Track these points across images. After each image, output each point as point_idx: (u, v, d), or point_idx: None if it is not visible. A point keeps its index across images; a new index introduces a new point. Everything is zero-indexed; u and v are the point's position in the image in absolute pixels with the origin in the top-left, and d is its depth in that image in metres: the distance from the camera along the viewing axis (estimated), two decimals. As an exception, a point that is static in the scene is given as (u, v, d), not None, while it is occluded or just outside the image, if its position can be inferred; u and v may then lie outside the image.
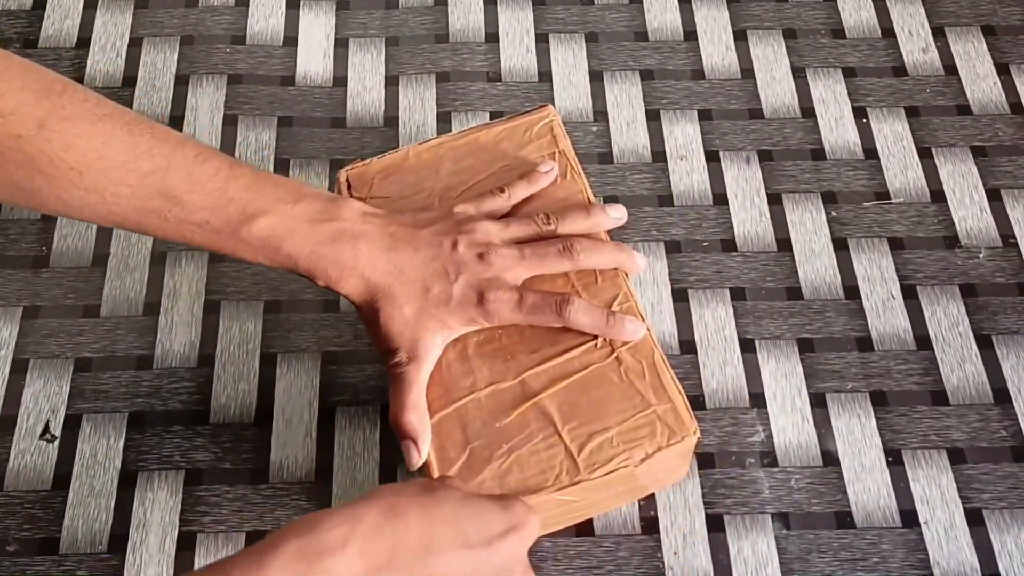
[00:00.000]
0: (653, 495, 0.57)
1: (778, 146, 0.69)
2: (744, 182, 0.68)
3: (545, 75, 0.72)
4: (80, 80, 0.71)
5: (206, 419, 0.60)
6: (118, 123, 0.50)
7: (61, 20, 0.74)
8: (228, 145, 0.69)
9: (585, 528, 0.56)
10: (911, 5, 0.76)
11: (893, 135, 0.70)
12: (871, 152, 0.69)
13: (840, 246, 0.66)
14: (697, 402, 0.60)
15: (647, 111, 0.71)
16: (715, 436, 0.59)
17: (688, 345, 0.62)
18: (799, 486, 0.58)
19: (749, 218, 0.67)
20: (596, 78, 0.72)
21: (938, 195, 0.68)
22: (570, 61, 0.73)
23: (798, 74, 0.72)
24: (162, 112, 0.70)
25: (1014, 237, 0.66)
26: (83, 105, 0.49)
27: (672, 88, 0.72)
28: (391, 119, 0.70)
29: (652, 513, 0.57)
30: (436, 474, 0.51)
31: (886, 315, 0.63)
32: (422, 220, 0.55)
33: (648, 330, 0.54)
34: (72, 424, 0.59)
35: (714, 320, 0.63)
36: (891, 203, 0.68)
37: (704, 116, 0.71)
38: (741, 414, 0.60)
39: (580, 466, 0.51)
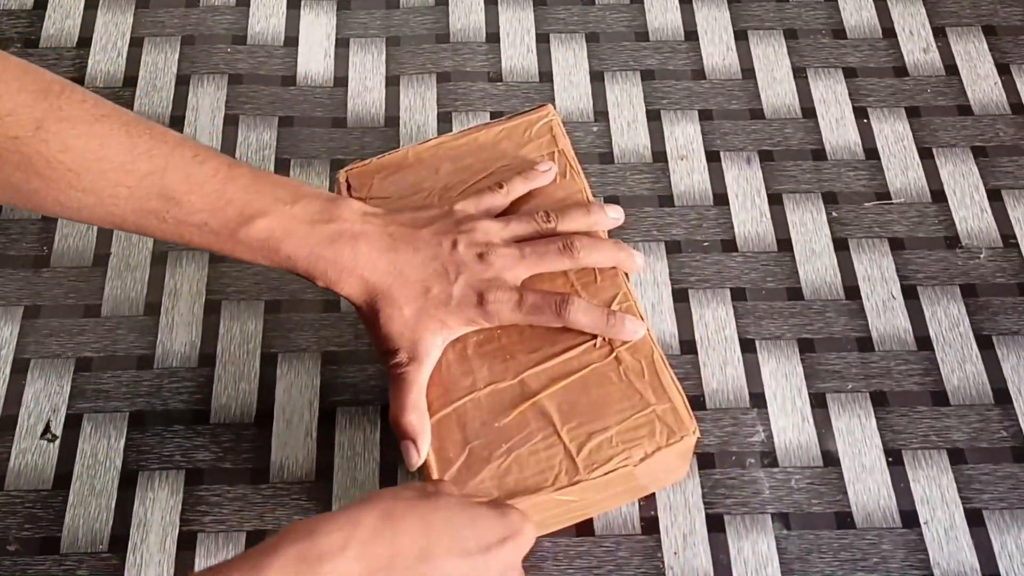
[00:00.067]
0: (653, 495, 0.57)
1: (779, 146, 0.69)
2: (745, 182, 0.68)
3: (546, 75, 0.72)
4: (81, 80, 0.71)
5: (207, 419, 0.60)
6: (116, 124, 0.49)
7: (62, 20, 0.74)
8: (229, 145, 0.69)
9: (585, 528, 0.56)
10: (912, 5, 0.76)
11: (894, 135, 0.70)
12: (872, 152, 0.69)
13: (841, 246, 0.66)
14: (697, 402, 0.60)
15: (648, 111, 0.71)
16: (715, 436, 0.59)
17: (688, 345, 0.62)
18: (799, 486, 0.58)
19: (750, 218, 0.67)
20: (597, 78, 0.72)
21: (939, 195, 0.68)
22: (571, 61, 0.73)
23: (799, 74, 0.72)
24: (163, 112, 0.70)
25: (1015, 237, 0.66)
26: (81, 106, 0.49)
27: (673, 88, 0.72)
28: (392, 119, 0.70)
29: (652, 513, 0.57)
30: (435, 474, 0.51)
31: (886, 315, 0.63)
32: (421, 219, 0.55)
33: (648, 330, 0.54)
34: (73, 424, 0.59)
35: (714, 320, 0.63)
36: (892, 203, 0.67)
37: (705, 116, 0.71)
38: (741, 414, 0.60)
39: (579, 466, 0.51)
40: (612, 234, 0.59)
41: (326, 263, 0.52)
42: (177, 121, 0.70)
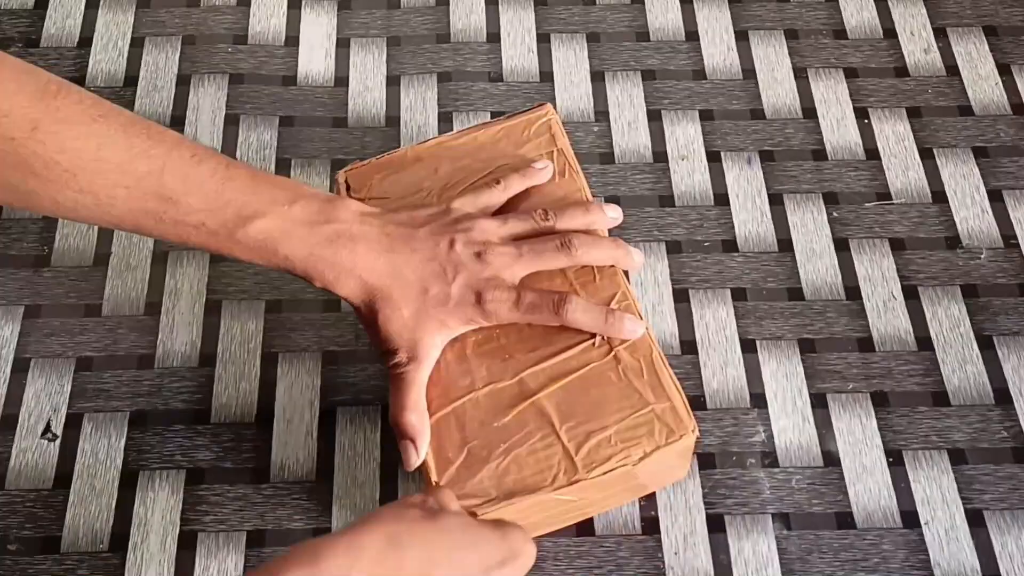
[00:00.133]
0: (653, 495, 0.57)
1: (779, 146, 0.69)
2: (745, 182, 0.68)
3: (546, 75, 0.72)
4: (82, 80, 0.71)
5: (207, 418, 0.60)
6: (114, 124, 0.49)
7: (63, 19, 0.74)
8: (230, 145, 0.69)
9: (586, 528, 0.56)
10: (913, 6, 0.76)
11: (895, 136, 0.70)
12: (873, 153, 0.69)
13: (841, 247, 0.66)
14: (698, 402, 0.60)
15: (648, 111, 0.71)
16: (716, 436, 0.59)
17: (689, 345, 0.62)
18: (800, 486, 0.58)
19: (750, 218, 0.67)
20: (597, 78, 0.72)
21: (939, 196, 0.68)
22: (571, 61, 0.73)
23: (800, 74, 0.72)
24: (163, 112, 0.70)
25: (1015, 238, 0.66)
26: (78, 106, 0.48)
27: (673, 88, 0.72)
28: (392, 119, 0.70)
29: (653, 513, 0.57)
30: (434, 474, 0.51)
31: (887, 316, 0.63)
32: (419, 218, 0.55)
33: (647, 328, 0.54)
34: (73, 423, 0.59)
35: (715, 320, 0.63)
36: (892, 204, 0.67)
37: (705, 116, 0.71)
38: (742, 414, 0.60)
39: (578, 465, 0.51)
40: (611, 233, 0.59)
41: (324, 264, 0.52)
42: (178, 121, 0.70)
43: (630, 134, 0.70)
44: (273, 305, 0.63)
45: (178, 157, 0.50)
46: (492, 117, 0.70)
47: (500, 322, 0.54)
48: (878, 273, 0.65)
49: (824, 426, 0.60)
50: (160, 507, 0.57)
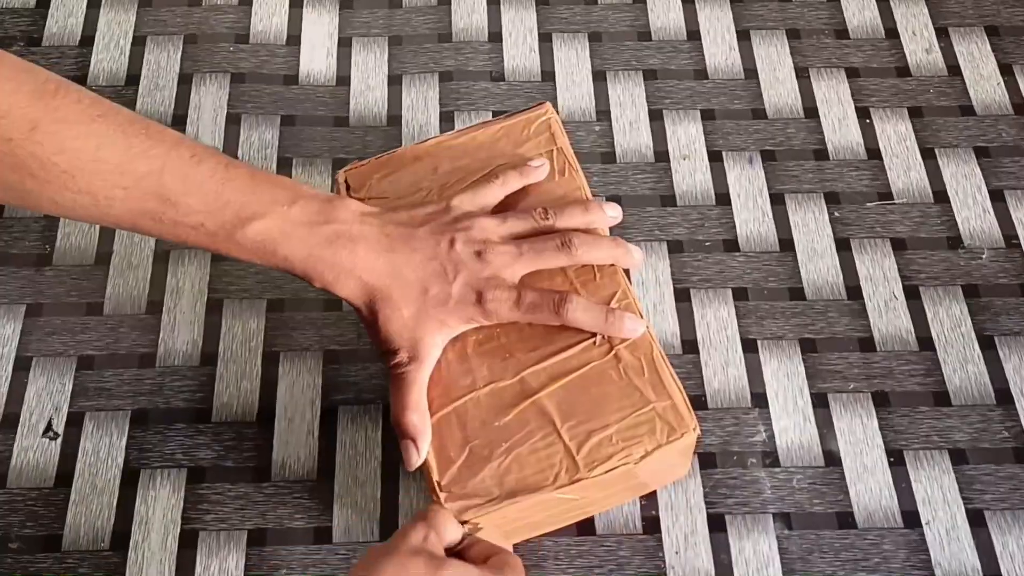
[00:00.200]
0: (654, 494, 0.57)
1: (781, 146, 0.69)
2: (747, 182, 0.68)
3: (548, 75, 0.72)
4: (84, 79, 0.71)
5: (208, 417, 0.60)
6: (112, 124, 0.49)
7: (65, 18, 0.74)
8: (231, 144, 0.69)
9: (586, 527, 0.56)
10: (915, 5, 0.76)
11: (896, 136, 0.70)
12: (874, 152, 0.69)
13: (843, 246, 0.66)
14: (699, 402, 0.60)
15: (650, 111, 0.71)
16: (717, 436, 0.59)
17: (690, 345, 0.62)
18: (801, 486, 0.58)
19: (752, 218, 0.67)
20: (599, 78, 0.72)
21: (941, 196, 0.68)
22: (573, 61, 0.73)
23: (801, 74, 0.72)
24: (165, 111, 0.70)
25: (1017, 238, 0.66)
26: (76, 106, 0.48)
27: (675, 88, 0.72)
28: (394, 118, 0.70)
29: (654, 513, 0.57)
30: (436, 474, 0.51)
31: (888, 316, 0.63)
32: (419, 217, 0.55)
33: (647, 327, 0.54)
34: (75, 421, 0.59)
35: (716, 320, 0.63)
36: (894, 204, 0.67)
37: (707, 116, 0.71)
38: (743, 414, 0.60)
39: (579, 464, 0.51)
40: (612, 232, 0.59)
41: (324, 265, 0.52)
42: (179, 120, 0.70)
43: (631, 134, 0.70)
44: (275, 304, 0.63)
45: (177, 157, 0.50)
46: (494, 116, 0.70)
47: (500, 321, 0.54)
48: (879, 273, 0.65)
49: (825, 426, 0.60)
50: (161, 506, 0.57)
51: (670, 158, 0.69)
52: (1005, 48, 0.74)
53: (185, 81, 0.71)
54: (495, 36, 0.74)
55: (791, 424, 0.60)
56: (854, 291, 0.64)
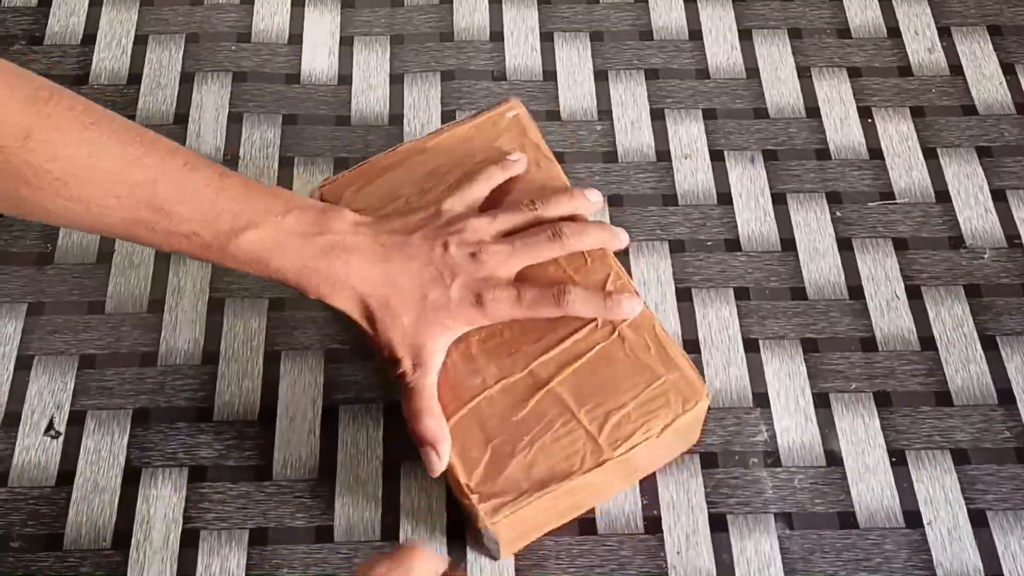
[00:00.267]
0: (656, 493, 0.57)
1: (783, 146, 0.69)
2: (749, 182, 0.68)
3: (550, 74, 0.72)
4: (85, 77, 0.71)
5: (210, 416, 0.60)
6: (106, 131, 0.48)
7: (67, 17, 0.74)
8: (233, 143, 0.69)
9: (588, 527, 0.56)
10: (917, 5, 0.76)
11: (898, 135, 0.70)
12: (876, 152, 0.69)
13: (844, 246, 0.66)
14: (701, 401, 0.60)
15: (652, 110, 0.71)
16: (718, 436, 0.59)
17: (692, 345, 0.62)
18: (802, 486, 0.58)
19: (753, 218, 0.67)
20: (601, 77, 0.72)
21: (943, 195, 0.68)
22: (575, 60, 0.73)
23: (803, 74, 0.72)
24: (167, 110, 0.70)
25: (1019, 238, 0.66)
26: (70, 113, 0.48)
27: (677, 87, 0.72)
28: (396, 117, 0.70)
29: (655, 512, 0.57)
30: (462, 476, 0.51)
31: (890, 315, 0.63)
32: (412, 224, 0.55)
33: (644, 303, 0.55)
34: (76, 420, 0.59)
35: (718, 320, 0.63)
36: (896, 203, 0.67)
37: (709, 115, 0.71)
38: (744, 414, 0.60)
39: (603, 446, 0.51)
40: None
41: (318, 276, 0.52)
42: (181, 119, 0.70)
43: (633, 133, 0.70)
44: (276, 303, 0.63)
45: (171, 166, 0.50)
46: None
47: (501, 320, 0.54)
48: (881, 273, 0.65)
49: (827, 426, 0.60)
50: (163, 505, 0.57)
51: (672, 157, 0.69)
52: (1007, 48, 0.74)
53: (187, 80, 0.71)
54: (497, 35, 0.74)
55: (793, 424, 0.60)
56: (856, 291, 0.64)
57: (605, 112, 0.71)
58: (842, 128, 0.70)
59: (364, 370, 0.61)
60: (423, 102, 0.71)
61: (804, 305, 0.64)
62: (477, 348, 0.54)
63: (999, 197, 0.67)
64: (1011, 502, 0.57)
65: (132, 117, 0.69)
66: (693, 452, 0.59)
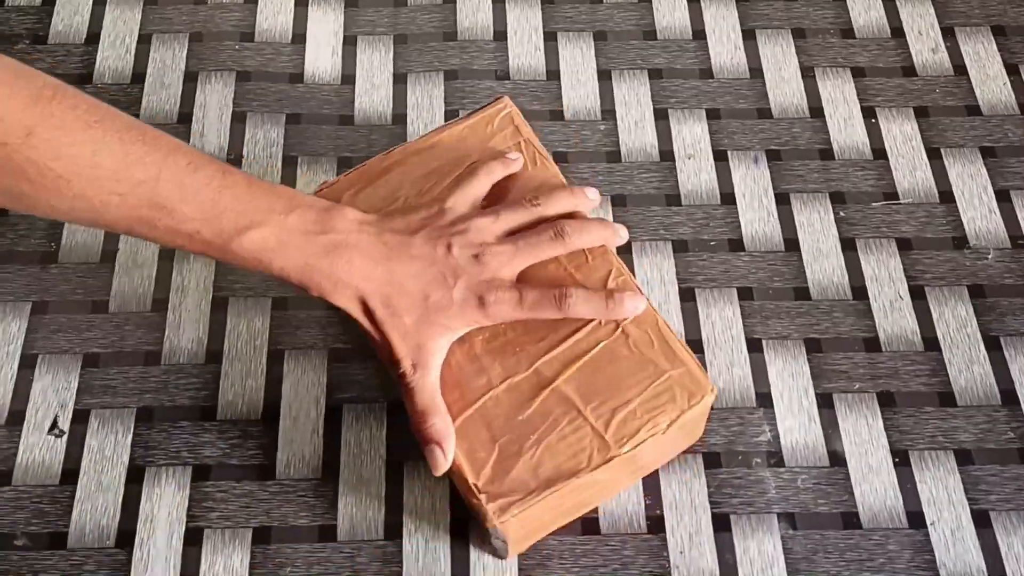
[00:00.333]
0: (659, 493, 0.57)
1: (786, 146, 0.69)
2: (752, 182, 0.68)
3: (553, 73, 0.72)
4: (89, 76, 0.71)
5: (213, 415, 0.60)
6: (109, 130, 0.48)
7: (71, 16, 0.74)
8: (236, 142, 0.69)
9: (591, 527, 0.56)
10: (921, 5, 0.75)
11: (902, 135, 0.70)
12: (880, 152, 0.69)
13: (848, 246, 0.66)
14: (704, 401, 0.60)
15: (655, 110, 0.71)
16: (722, 436, 0.59)
17: (695, 344, 0.62)
18: (805, 486, 0.58)
19: (757, 218, 0.67)
20: (604, 77, 0.72)
21: (947, 196, 0.68)
22: (578, 59, 0.73)
23: (807, 74, 0.72)
24: (171, 109, 0.70)
25: (1023, 238, 0.66)
26: (73, 112, 0.48)
27: (680, 87, 0.72)
28: (399, 117, 0.70)
29: (658, 512, 0.57)
30: (470, 476, 0.51)
31: (894, 316, 0.63)
32: (415, 223, 0.55)
33: (647, 300, 0.55)
34: (80, 419, 0.59)
35: (721, 320, 0.63)
36: (900, 204, 0.67)
37: (712, 115, 0.71)
38: (748, 414, 0.60)
39: (610, 443, 0.51)
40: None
41: (321, 275, 0.52)
42: (185, 118, 0.70)
43: (637, 133, 0.70)
44: (279, 302, 0.63)
45: (174, 164, 0.50)
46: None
47: (503, 321, 0.54)
48: (885, 273, 0.65)
49: (830, 426, 0.60)
50: (166, 503, 0.57)
51: (675, 157, 0.69)
52: (1011, 48, 0.74)
53: (191, 79, 0.71)
54: (500, 35, 0.74)
55: (796, 424, 0.60)
56: (859, 291, 0.64)
57: (608, 112, 0.71)
58: (846, 128, 0.70)
59: (367, 369, 0.61)
60: (426, 102, 0.71)
61: (808, 305, 0.64)
62: (481, 348, 0.54)
63: (1003, 197, 0.67)
64: (1014, 503, 0.57)
65: (136, 116, 0.69)
66: (696, 452, 0.59)
